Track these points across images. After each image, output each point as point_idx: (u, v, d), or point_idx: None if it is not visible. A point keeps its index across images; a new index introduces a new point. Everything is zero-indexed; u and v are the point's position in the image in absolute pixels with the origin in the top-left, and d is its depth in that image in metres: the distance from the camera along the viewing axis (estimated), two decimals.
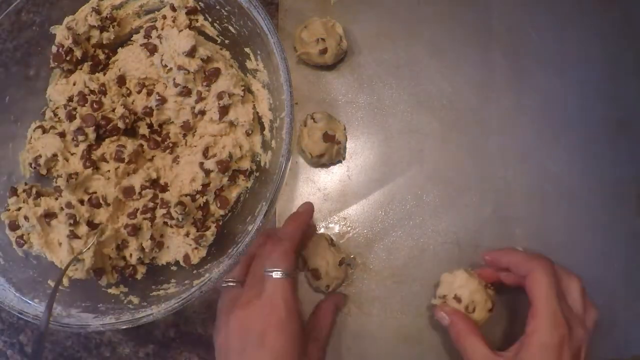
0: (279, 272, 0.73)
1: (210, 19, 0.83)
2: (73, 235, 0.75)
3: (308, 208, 0.85)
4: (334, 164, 0.89)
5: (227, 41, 0.84)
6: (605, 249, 0.87)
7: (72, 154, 0.80)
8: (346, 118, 0.89)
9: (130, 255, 0.78)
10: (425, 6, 0.92)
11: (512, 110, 0.89)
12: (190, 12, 0.82)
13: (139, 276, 0.81)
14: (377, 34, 0.91)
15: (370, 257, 0.86)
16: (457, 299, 0.78)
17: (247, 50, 0.81)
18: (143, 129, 0.83)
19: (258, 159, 0.82)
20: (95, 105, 0.80)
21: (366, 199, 0.87)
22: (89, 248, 0.75)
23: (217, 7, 0.81)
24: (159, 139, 0.83)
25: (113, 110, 0.81)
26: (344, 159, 0.89)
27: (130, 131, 0.84)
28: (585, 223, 0.87)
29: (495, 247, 0.86)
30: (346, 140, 0.88)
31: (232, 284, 0.77)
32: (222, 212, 0.82)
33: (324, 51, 0.86)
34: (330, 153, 0.85)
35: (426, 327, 0.84)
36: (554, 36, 0.91)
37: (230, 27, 0.82)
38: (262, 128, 0.82)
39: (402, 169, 0.88)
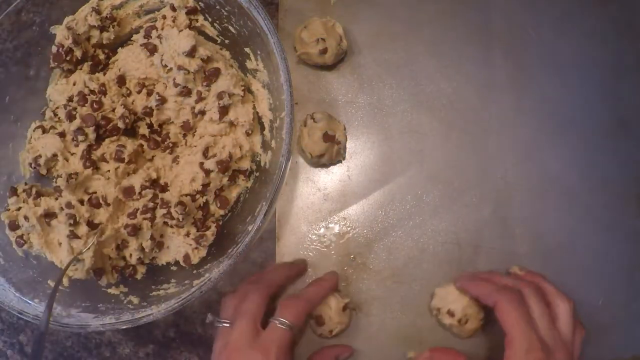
0: (284, 323, 0.73)
1: (210, 19, 0.83)
2: (73, 235, 0.75)
3: (334, 279, 0.84)
4: (334, 164, 0.89)
5: (227, 41, 0.84)
6: (605, 249, 0.87)
7: (72, 154, 0.80)
8: (346, 118, 0.89)
9: (130, 255, 0.78)
10: (426, 5, 0.91)
11: (512, 110, 0.89)
12: (190, 12, 0.82)
13: (139, 276, 0.81)
14: (377, 34, 0.91)
15: (370, 257, 0.86)
16: (451, 313, 0.81)
17: (247, 50, 0.81)
18: (143, 129, 0.83)
19: (258, 159, 0.82)
20: (95, 105, 0.80)
21: (366, 199, 0.87)
22: (89, 248, 0.75)
23: (217, 7, 0.81)
24: (159, 139, 0.83)
25: (113, 110, 0.81)
26: (344, 159, 0.88)
27: (130, 131, 0.84)
28: (585, 223, 0.87)
29: (495, 247, 0.86)
30: (346, 140, 0.88)
31: (226, 324, 0.76)
32: (222, 212, 0.82)
33: (324, 51, 0.86)
34: (330, 153, 0.85)
35: (426, 327, 0.84)
36: (554, 36, 0.91)
37: (230, 27, 0.82)
38: (262, 128, 0.82)
39: (402, 169, 0.88)
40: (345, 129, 0.88)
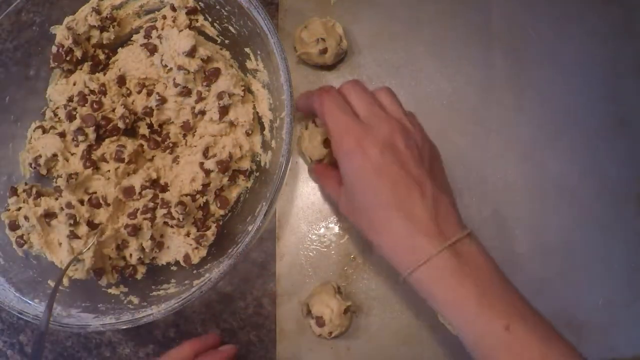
0: None
1: (210, 19, 0.83)
2: (73, 235, 0.75)
3: (230, 353, 0.82)
4: None
5: (227, 41, 0.84)
6: (605, 249, 0.86)
7: (72, 154, 0.80)
8: None
9: (130, 255, 0.78)
10: (426, 5, 0.91)
11: (512, 110, 0.89)
12: (190, 12, 0.82)
13: (139, 276, 0.81)
14: (377, 34, 0.91)
15: (371, 257, 0.86)
16: None
17: (247, 50, 0.82)
18: (143, 129, 0.83)
19: (258, 159, 0.82)
20: (95, 105, 0.80)
21: None
22: (89, 248, 0.75)
23: (217, 7, 0.81)
24: (159, 139, 0.83)
25: (113, 110, 0.81)
26: None
27: (130, 131, 0.84)
28: (586, 223, 0.87)
29: (495, 247, 0.86)
30: None
31: None
32: (222, 212, 0.82)
33: (324, 51, 0.86)
34: (329, 159, 0.85)
35: (426, 327, 0.84)
36: (555, 36, 0.91)
37: (230, 27, 0.82)
38: (262, 128, 0.82)
39: None
40: None
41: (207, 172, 0.78)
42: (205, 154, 0.79)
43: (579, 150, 0.88)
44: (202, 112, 0.81)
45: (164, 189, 0.80)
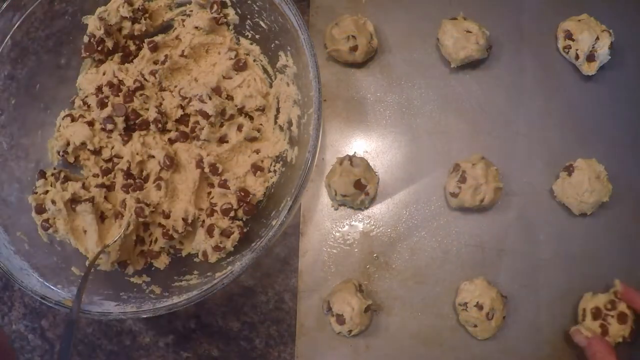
0: None
1: (240, 13, 0.84)
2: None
3: None
4: (353, 208, 0.88)
5: (257, 36, 0.84)
6: (629, 260, 0.85)
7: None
8: (374, 117, 0.89)
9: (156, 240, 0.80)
10: (457, 6, 0.91)
11: (540, 113, 0.89)
12: (220, 5, 0.83)
13: (162, 266, 0.82)
14: (408, 33, 0.91)
15: (393, 256, 0.86)
16: (479, 307, 0.81)
17: (277, 45, 0.82)
18: (170, 124, 0.84)
19: (285, 155, 0.82)
20: (127, 98, 0.80)
21: (391, 198, 0.87)
22: (115, 241, 0.76)
23: (249, 1, 0.81)
24: (186, 129, 0.83)
25: (143, 108, 0.82)
26: (365, 208, 0.88)
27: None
28: (611, 232, 0.86)
29: (519, 251, 0.85)
30: (375, 194, 0.87)
31: None
32: (246, 217, 0.82)
33: (354, 48, 0.86)
34: (354, 199, 0.85)
35: (446, 328, 0.84)
36: None
37: (261, 22, 0.82)
38: (290, 124, 0.82)
39: (428, 170, 0.88)
40: (378, 182, 0.88)
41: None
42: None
43: (608, 156, 0.86)
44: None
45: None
